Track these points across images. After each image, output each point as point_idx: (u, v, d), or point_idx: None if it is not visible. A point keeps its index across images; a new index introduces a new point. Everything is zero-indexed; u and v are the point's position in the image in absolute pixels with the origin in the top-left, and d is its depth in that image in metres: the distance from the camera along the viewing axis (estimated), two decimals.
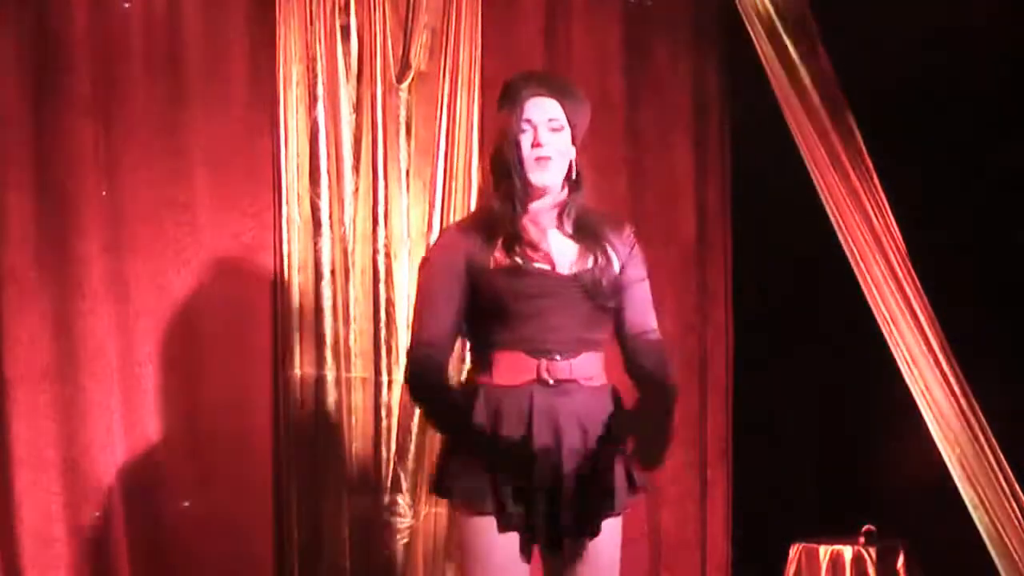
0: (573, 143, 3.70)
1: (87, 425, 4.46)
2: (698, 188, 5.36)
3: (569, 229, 3.66)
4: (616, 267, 3.66)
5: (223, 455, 4.62)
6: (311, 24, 4.78)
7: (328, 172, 4.79)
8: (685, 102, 5.35)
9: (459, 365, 4.52)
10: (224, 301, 4.65)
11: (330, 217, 4.78)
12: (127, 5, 4.55)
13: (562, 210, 3.67)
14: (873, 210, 4.84)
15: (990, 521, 4.74)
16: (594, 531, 3.58)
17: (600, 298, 3.62)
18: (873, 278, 4.85)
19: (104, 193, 4.51)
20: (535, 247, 3.61)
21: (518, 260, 3.59)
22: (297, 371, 4.72)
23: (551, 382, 3.57)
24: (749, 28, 4.99)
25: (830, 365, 5.30)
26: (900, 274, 4.82)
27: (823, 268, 5.07)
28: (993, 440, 4.74)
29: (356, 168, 4.83)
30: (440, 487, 3.68)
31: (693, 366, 5.32)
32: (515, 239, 3.60)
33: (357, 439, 4.79)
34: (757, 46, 4.98)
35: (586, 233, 3.66)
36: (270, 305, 4.72)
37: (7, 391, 4.37)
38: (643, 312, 3.73)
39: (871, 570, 5.03)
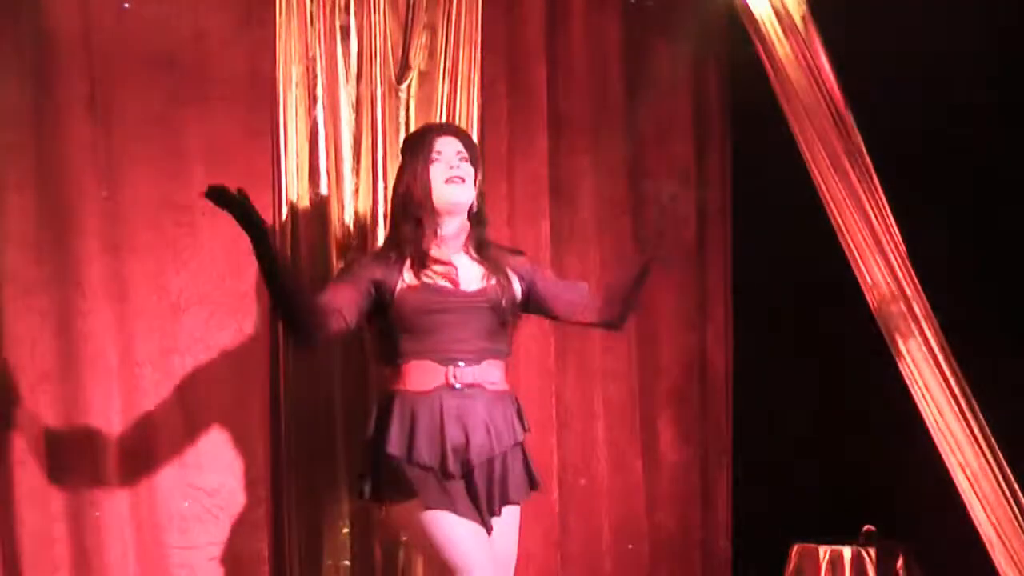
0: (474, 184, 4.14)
1: (87, 425, 4.46)
2: (698, 188, 5.36)
3: (474, 253, 4.12)
4: (516, 288, 4.13)
5: (223, 455, 4.62)
6: (311, 24, 4.77)
7: (328, 172, 4.79)
8: (685, 102, 5.35)
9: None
10: (224, 301, 4.65)
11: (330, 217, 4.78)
12: (127, 5, 4.55)
13: (467, 240, 4.12)
14: (873, 210, 4.84)
15: (990, 521, 4.74)
16: (496, 512, 4.03)
17: (501, 313, 4.07)
18: (873, 278, 4.85)
19: (104, 193, 4.51)
20: (442, 264, 4.05)
21: (425, 279, 4.03)
22: (297, 371, 4.72)
23: (458, 386, 4.01)
24: (749, 28, 5.00)
25: (830, 365, 5.30)
26: (900, 274, 4.82)
27: (823, 268, 5.07)
28: (993, 440, 4.74)
29: (356, 168, 4.83)
30: (377, 493, 4.06)
31: (693, 366, 5.32)
32: (423, 260, 4.04)
33: (357, 438, 4.78)
34: (757, 46, 4.98)
35: (488, 258, 4.13)
36: (270, 305, 4.71)
37: (7, 391, 4.37)
38: (564, 294, 4.22)
39: (871, 570, 5.04)
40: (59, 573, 4.40)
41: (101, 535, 4.44)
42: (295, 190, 4.76)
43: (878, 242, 4.84)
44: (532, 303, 4.20)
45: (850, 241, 4.88)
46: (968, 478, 4.75)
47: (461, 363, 4.01)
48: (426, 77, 4.91)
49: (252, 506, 4.65)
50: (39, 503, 4.39)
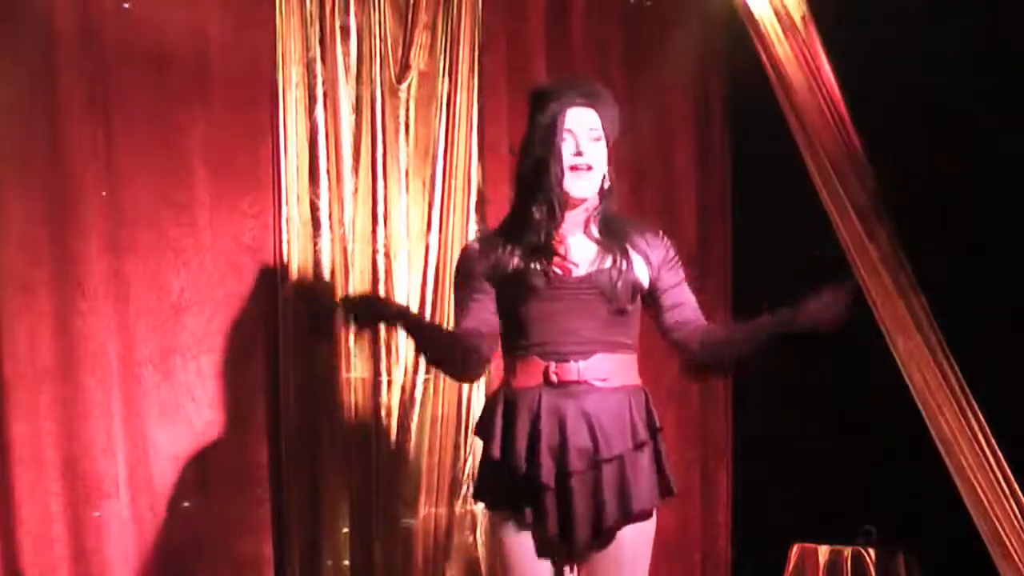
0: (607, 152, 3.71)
1: (87, 425, 4.46)
2: (698, 188, 5.36)
3: (595, 233, 3.68)
4: (637, 270, 3.68)
5: (223, 455, 4.62)
6: (311, 24, 4.78)
7: (328, 173, 4.79)
8: (686, 102, 5.35)
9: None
10: (224, 301, 4.66)
11: (330, 217, 4.79)
12: (127, 5, 4.56)
13: (590, 215, 3.69)
14: (872, 210, 4.84)
15: (990, 521, 4.74)
16: (608, 535, 3.61)
17: (614, 300, 3.64)
18: (872, 278, 4.85)
19: (104, 193, 4.51)
20: (555, 253, 3.64)
21: (533, 266, 3.62)
22: (297, 371, 4.73)
23: (556, 383, 3.60)
24: (749, 28, 5.00)
25: (830, 365, 5.29)
26: (899, 273, 4.82)
27: (823, 268, 5.07)
28: (993, 440, 4.74)
29: (356, 169, 4.84)
30: (476, 491, 3.80)
31: None
32: (537, 247, 3.63)
33: (357, 439, 4.79)
34: (757, 46, 4.98)
35: (609, 236, 3.68)
36: (270, 305, 4.72)
37: (7, 391, 4.37)
38: (683, 311, 3.76)
39: (871, 570, 5.03)
40: (59, 573, 4.40)
41: (101, 535, 4.44)
42: (295, 190, 4.76)
43: (877, 242, 4.83)
44: (648, 298, 3.74)
45: (849, 240, 4.88)
46: (968, 478, 4.75)
47: (568, 358, 3.61)
48: (426, 77, 4.91)
49: (253, 506, 4.65)
50: (39, 503, 4.39)
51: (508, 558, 3.65)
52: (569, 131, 3.64)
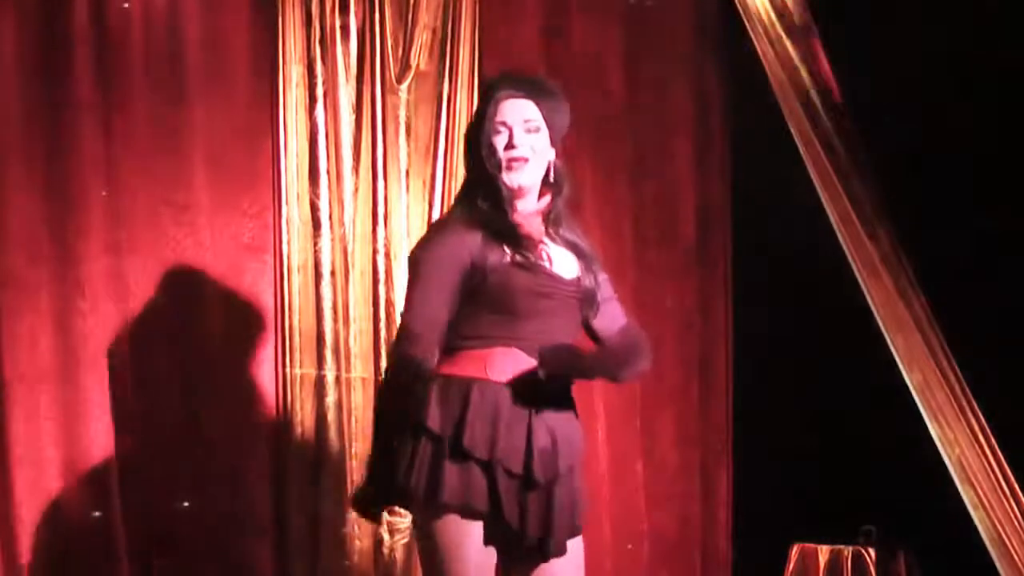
0: (552, 144, 3.61)
1: (87, 425, 4.46)
2: (698, 188, 5.36)
3: (557, 238, 3.62)
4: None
5: (223, 455, 4.62)
6: (311, 24, 4.79)
7: (328, 172, 4.80)
8: (685, 102, 5.34)
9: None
10: (224, 301, 4.66)
11: (330, 217, 4.79)
12: (127, 5, 4.56)
13: (546, 217, 3.61)
14: (872, 209, 4.84)
15: (990, 521, 4.74)
16: (577, 531, 3.60)
17: (589, 308, 3.62)
18: (873, 278, 4.85)
19: (104, 193, 4.52)
20: (536, 245, 3.55)
21: (531, 257, 3.53)
22: (297, 371, 4.73)
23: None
24: (749, 28, 5.00)
25: (830, 365, 5.29)
26: (899, 272, 4.82)
27: (823, 268, 5.07)
28: (993, 440, 4.74)
29: (356, 168, 4.84)
30: (433, 494, 3.48)
31: (693, 366, 5.32)
32: (516, 237, 3.53)
33: (357, 439, 4.79)
34: (757, 47, 4.99)
35: (575, 245, 3.64)
36: (270, 305, 4.73)
37: (7, 391, 4.38)
38: (614, 319, 3.71)
39: (871, 570, 5.03)
40: (58, 573, 4.40)
41: (101, 535, 4.44)
42: (295, 190, 4.77)
43: (877, 242, 4.84)
44: None
45: (849, 241, 4.88)
46: (968, 477, 4.75)
47: None
48: (426, 77, 4.92)
49: (253, 506, 4.65)
50: (39, 503, 4.39)
51: (467, 561, 3.48)
52: (503, 123, 3.55)
